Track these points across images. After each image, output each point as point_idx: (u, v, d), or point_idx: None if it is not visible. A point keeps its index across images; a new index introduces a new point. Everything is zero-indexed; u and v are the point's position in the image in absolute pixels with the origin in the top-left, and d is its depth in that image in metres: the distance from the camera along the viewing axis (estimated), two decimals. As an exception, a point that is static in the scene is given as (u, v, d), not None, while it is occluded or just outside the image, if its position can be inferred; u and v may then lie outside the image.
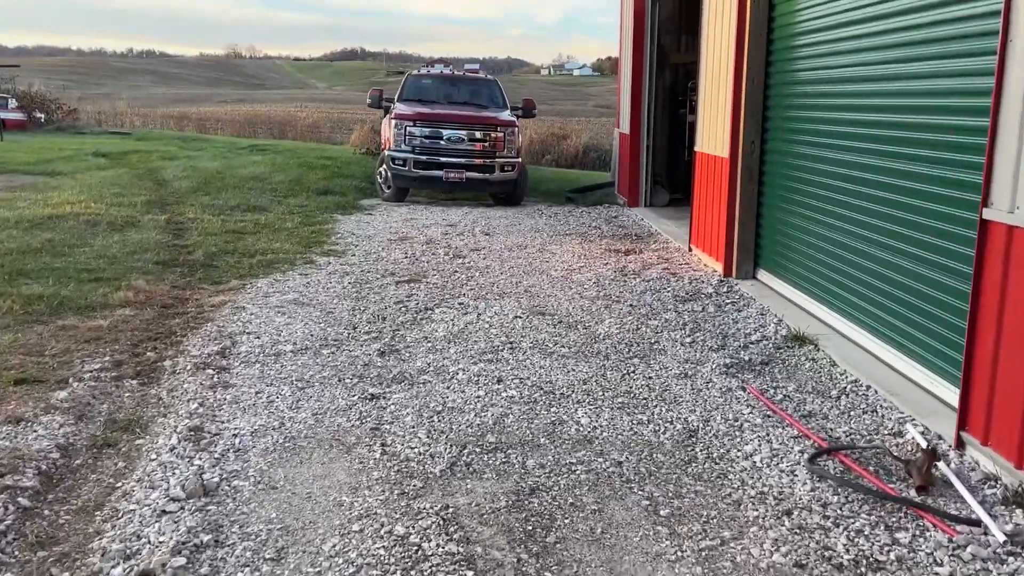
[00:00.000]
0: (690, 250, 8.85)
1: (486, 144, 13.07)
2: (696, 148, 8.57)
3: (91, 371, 4.73)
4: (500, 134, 13.08)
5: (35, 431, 3.88)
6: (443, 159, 12.86)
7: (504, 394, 4.63)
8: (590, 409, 4.43)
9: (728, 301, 6.81)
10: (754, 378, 5.01)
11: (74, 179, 13.58)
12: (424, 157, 12.83)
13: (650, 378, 4.98)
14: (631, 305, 6.68)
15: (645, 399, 4.61)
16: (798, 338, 5.69)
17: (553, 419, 4.28)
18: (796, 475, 3.67)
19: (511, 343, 5.63)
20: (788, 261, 6.71)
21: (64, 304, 6.09)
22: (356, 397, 4.52)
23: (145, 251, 8.15)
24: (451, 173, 12.81)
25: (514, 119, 13.61)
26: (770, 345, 5.65)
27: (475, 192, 13.53)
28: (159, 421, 4.08)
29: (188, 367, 4.88)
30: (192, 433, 3.90)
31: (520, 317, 6.29)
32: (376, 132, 20.39)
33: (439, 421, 4.20)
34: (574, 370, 5.08)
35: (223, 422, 4.08)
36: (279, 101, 72.75)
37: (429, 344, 5.56)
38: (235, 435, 3.92)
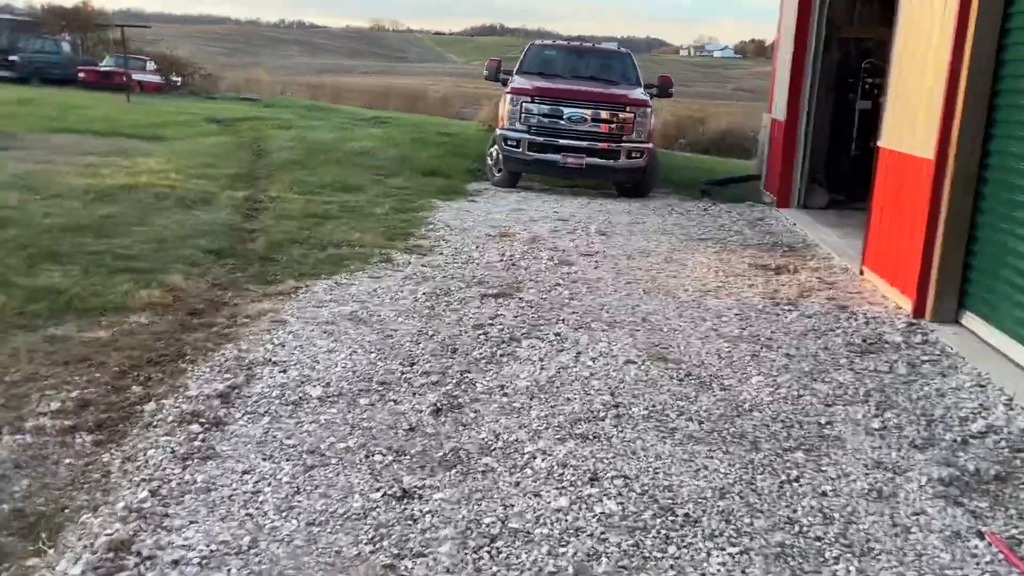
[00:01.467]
0: (861, 273, 6.95)
1: (612, 126, 11.36)
2: (880, 143, 6.65)
3: (42, 414, 3.50)
4: (629, 115, 11.35)
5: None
6: (562, 141, 11.27)
7: (598, 509, 3.07)
8: (731, 557, 2.82)
9: (925, 358, 4.96)
10: (990, 509, 3.24)
11: (172, 145, 12.86)
12: (541, 138, 11.28)
13: (824, 495, 3.30)
14: (788, 354, 4.95)
15: (819, 542, 2.95)
16: (1046, 436, 3.85)
17: (673, 574, 2.71)
18: None
19: (617, 407, 4.05)
20: (1017, 306, 4.80)
21: (72, 303, 4.96)
22: (380, 494, 3.08)
23: (203, 235, 7.03)
24: (570, 158, 11.21)
25: (647, 98, 11.83)
26: (1003, 444, 3.83)
27: (597, 180, 11.89)
28: (80, 521, 2.76)
29: (172, 416, 3.58)
30: (109, 556, 2.56)
31: (633, 363, 4.69)
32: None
33: (490, 562, 2.71)
34: (707, 468, 3.46)
35: (170, 531, 2.72)
36: (419, 75, 72.84)
37: (505, 399, 4.06)
38: (172, 564, 2.56)
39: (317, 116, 23.89)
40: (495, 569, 2.65)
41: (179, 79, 33.48)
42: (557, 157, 11.25)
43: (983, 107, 5.22)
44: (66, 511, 2.80)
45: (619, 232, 8.72)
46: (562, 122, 11.33)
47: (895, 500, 3.26)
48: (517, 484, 3.23)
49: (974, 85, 5.22)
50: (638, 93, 11.91)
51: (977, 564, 2.84)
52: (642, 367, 4.62)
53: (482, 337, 5.00)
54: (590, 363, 4.66)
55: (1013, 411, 4.17)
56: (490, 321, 5.33)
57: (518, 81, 12.00)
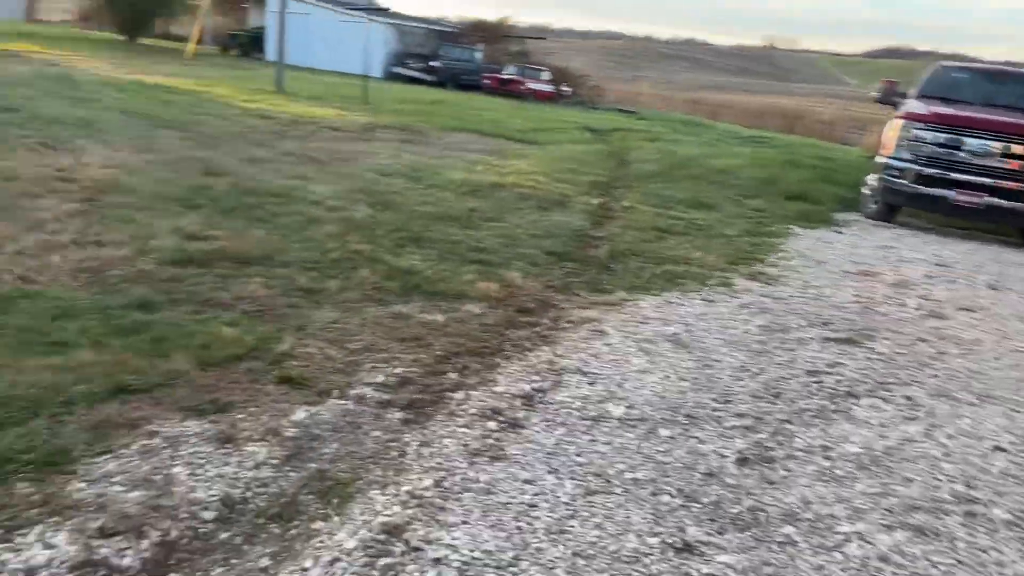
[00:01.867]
0: None
1: (1026, 162, 9.66)
2: None
3: (368, 384, 3.77)
4: (1051, 151, 9.53)
5: (207, 470, 2.94)
6: (957, 175, 9.83)
7: (918, 627, 2.48)
8: None
9: None
10: None
11: (544, 150, 13.60)
12: (930, 170, 9.95)
13: None
14: None
15: None
16: None
17: None
18: None
19: (971, 500, 3.31)
20: None
21: (421, 286, 5.36)
22: (658, 540, 2.80)
23: (551, 236, 7.23)
24: (964, 195, 9.73)
25: (1077, 133, 9.86)
26: None
27: (996, 224, 10.19)
28: (368, 495, 2.88)
29: (474, 408, 3.64)
30: (381, 538, 2.62)
31: (1003, 450, 3.82)
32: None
33: (764, 654, 2.30)
34: None
35: (442, 526, 2.72)
36: (805, 95, 69.61)
37: (826, 463, 3.52)
38: (433, 561, 2.53)
39: (689, 131, 23.90)
40: (769, 665, 2.24)
41: (569, 89, 35.64)
42: (949, 193, 9.84)
43: None
44: (359, 482, 2.95)
45: (1015, 288, 7.33)
46: (961, 153, 9.88)
47: None
48: (819, 569, 2.74)
49: None
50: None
51: None
52: (1017, 458, 3.74)
53: (814, 386, 4.44)
54: (945, 440, 3.89)
55: None
56: (829, 368, 4.73)
57: (913, 105, 10.74)
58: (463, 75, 33.06)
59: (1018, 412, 4.31)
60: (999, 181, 9.71)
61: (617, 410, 3.82)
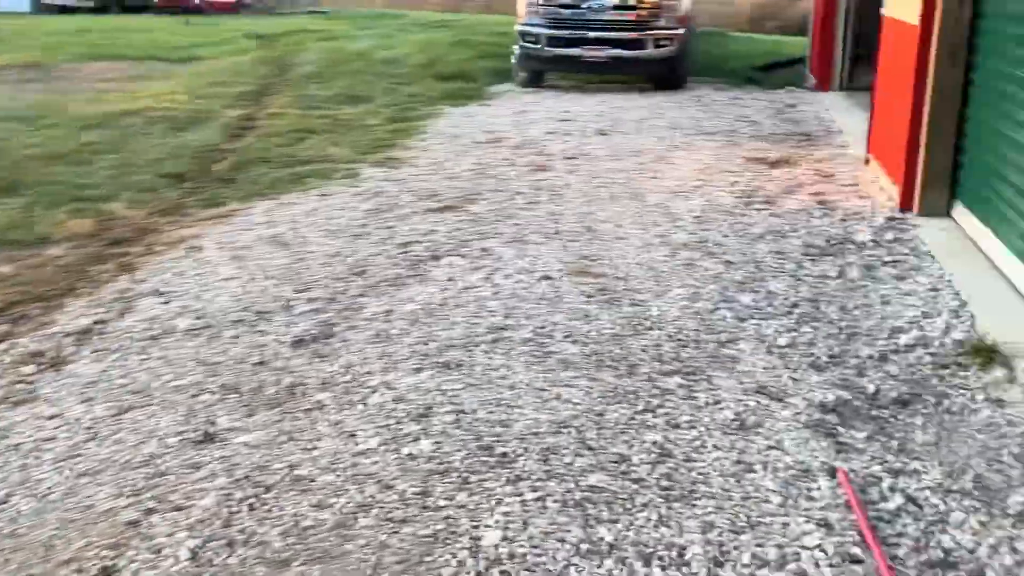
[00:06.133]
0: (866, 163, 6.19)
1: (641, 12, 10.52)
2: (883, 10, 5.78)
3: None
4: (656, -1, 10.45)
5: None
6: (583, 33, 10.53)
7: (406, 450, 2.80)
8: (521, 505, 2.50)
9: (888, 259, 4.35)
10: (866, 440, 2.78)
11: (199, 66, 12.79)
12: (560, 32, 10.57)
13: (677, 427, 2.91)
14: (728, 262, 4.44)
15: (636, 484, 2.59)
16: (983, 350, 3.28)
17: (442, 527, 2.43)
18: None
19: (505, 328, 3.72)
20: (1006, 202, 4.09)
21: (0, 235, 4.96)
22: (178, 439, 2.89)
23: (175, 158, 6.91)
24: (591, 51, 10.48)
25: (676, -22, 10.86)
26: (927, 360, 3.30)
27: (623, 74, 11.11)
28: None
29: (10, 358, 3.49)
30: None
31: (550, 278, 4.31)
32: None
33: (247, 515, 2.49)
34: (560, 398, 3.12)
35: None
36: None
37: (384, 326, 3.79)
38: (-90, 521, 2.47)
39: (373, 24, 23.43)
40: (246, 523, 2.44)
41: (249, -3, 33.33)
42: (579, 51, 10.54)
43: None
44: None
45: (622, 130, 8.11)
46: (583, 12, 10.55)
47: (755, 433, 2.84)
48: (337, 424, 2.99)
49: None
50: (664, -28, 10.92)
51: (806, 511, 2.43)
52: (556, 284, 4.24)
53: (404, 256, 4.71)
54: (502, 280, 4.31)
55: (959, 319, 3.59)
56: (423, 236, 5.02)
57: (532, -32, 11.19)
58: (126, -4, 29.81)
59: (575, 242, 4.86)
60: (621, 33, 10.52)
61: (184, 323, 3.83)
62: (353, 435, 2.91)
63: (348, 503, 2.53)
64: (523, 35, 10.79)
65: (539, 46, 10.66)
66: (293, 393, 3.21)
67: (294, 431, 2.94)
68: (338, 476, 2.67)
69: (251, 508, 2.52)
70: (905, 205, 4.97)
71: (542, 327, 3.73)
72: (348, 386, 3.26)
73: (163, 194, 5.99)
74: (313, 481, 2.65)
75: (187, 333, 3.73)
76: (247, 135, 8.00)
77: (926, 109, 4.69)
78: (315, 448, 2.83)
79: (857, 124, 7.68)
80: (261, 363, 3.45)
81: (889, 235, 4.66)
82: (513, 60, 11.49)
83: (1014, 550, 2.26)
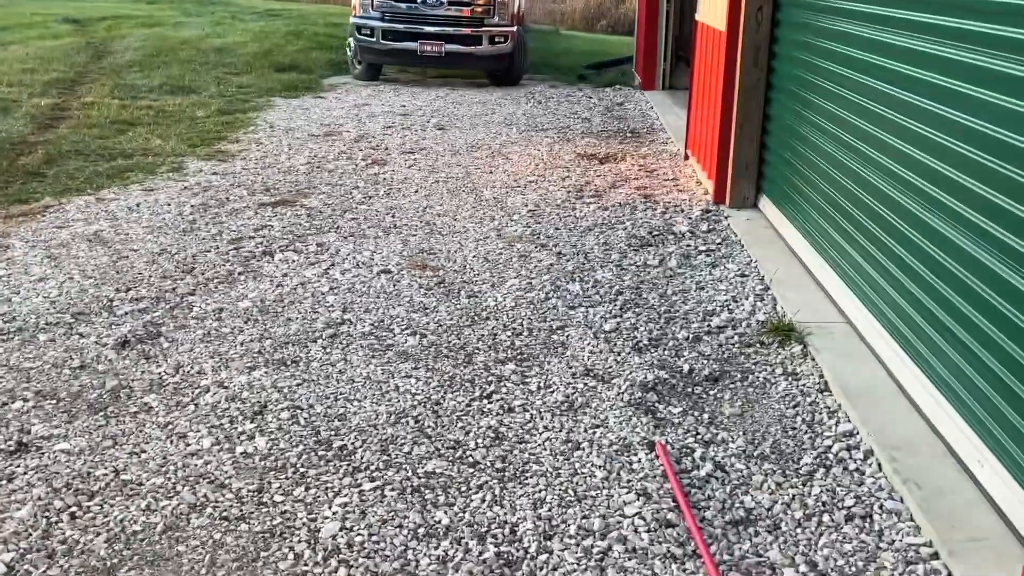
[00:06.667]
0: (686, 158, 6.63)
1: (476, 8, 10.67)
2: (696, 16, 6.20)
3: None
4: (489, -4, 10.63)
5: None
6: (418, 28, 10.56)
7: (240, 449, 2.77)
8: (358, 495, 2.54)
9: (704, 247, 4.71)
10: (682, 414, 3.03)
11: (2, 52, 11.76)
12: (395, 25, 10.55)
13: (511, 411, 3.04)
14: (559, 253, 4.64)
15: (472, 468, 2.70)
16: (782, 329, 3.63)
17: (279, 522, 2.43)
18: None
19: (344, 323, 3.73)
20: (799, 193, 4.52)
21: None
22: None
23: (-24, 151, 6.37)
24: (427, 45, 10.53)
25: (509, -25, 11.10)
26: (735, 340, 3.61)
27: (459, 69, 11.25)
28: None
29: None
30: None
31: (389, 272, 4.35)
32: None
33: (68, 524, 2.39)
34: (398, 389, 3.17)
35: None
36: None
37: (215, 324, 3.70)
38: None
39: (203, 10, 22.35)
40: (68, 533, 2.34)
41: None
42: (415, 45, 10.56)
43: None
44: None
45: (460, 125, 8.23)
46: (419, 7, 10.58)
47: (582, 413, 3.02)
48: (166, 426, 2.90)
49: (762, -53, 4.78)
50: (497, -29, 11.14)
51: (627, 483, 2.62)
52: (396, 278, 4.28)
53: (235, 253, 4.59)
54: (340, 275, 4.30)
55: (763, 301, 3.95)
56: (255, 232, 4.91)
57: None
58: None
59: (413, 236, 4.92)
60: (457, 28, 10.64)
61: (-9, 327, 3.57)
62: (184, 436, 2.84)
63: (179, 504, 2.48)
64: (358, 28, 10.68)
65: (374, 39, 10.59)
66: (118, 397, 3.08)
67: (119, 435, 2.83)
68: (168, 478, 2.60)
69: (72, 517, 2.41)
70: (719, 198, 5.38)
71: (381, 320, 3.77)
72: (178, 387, 3.17)
73: (-37, 190, 5.52)
74: (141, 485, 2.57)
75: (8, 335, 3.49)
76: (59, 126, 7.47)
77: (735, 110, 5.09)
78: (143, 452, 2.74)
79: (678, 122, 8.17)
80: (81, 367, 3.29)
81: (704, 226, 5.03)
82: (349, 52, 11.36)
83: (804, 505, 2.55)
